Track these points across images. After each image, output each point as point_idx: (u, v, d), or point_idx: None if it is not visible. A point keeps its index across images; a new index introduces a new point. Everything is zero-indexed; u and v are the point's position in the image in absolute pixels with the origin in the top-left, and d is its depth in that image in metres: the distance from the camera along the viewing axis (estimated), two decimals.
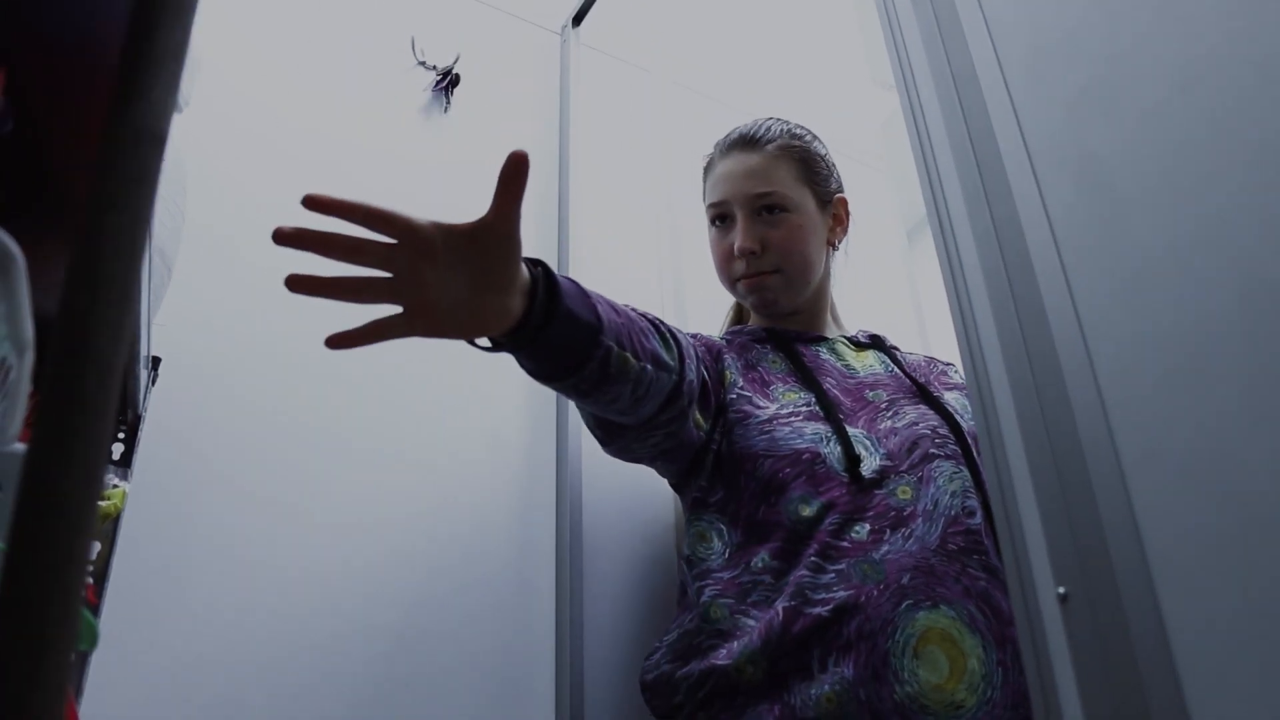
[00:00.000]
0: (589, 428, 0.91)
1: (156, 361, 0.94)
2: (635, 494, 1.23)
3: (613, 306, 0.77)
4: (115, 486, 0.83)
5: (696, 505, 0.97)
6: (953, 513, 0.87)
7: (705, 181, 1.14)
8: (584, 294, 0.74)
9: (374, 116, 1.29)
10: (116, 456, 0.87)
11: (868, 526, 0.86)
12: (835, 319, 1.17)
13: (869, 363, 1.08)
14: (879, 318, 1.33)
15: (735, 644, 0.84)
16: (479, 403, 1.20)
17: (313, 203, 0.65)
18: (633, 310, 0.82)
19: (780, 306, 1.09)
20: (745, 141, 1.09)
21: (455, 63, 1.36)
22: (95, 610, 0.80)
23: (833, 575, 0.84)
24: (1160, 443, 0.49)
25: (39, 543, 0.26)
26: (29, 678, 0.25)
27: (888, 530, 0.85)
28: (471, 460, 1.15)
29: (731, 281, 1.10)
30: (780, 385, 1.00)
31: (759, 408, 0.97)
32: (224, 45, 1.18)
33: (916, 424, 0.96)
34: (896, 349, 1.16)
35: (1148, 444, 0.50)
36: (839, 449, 0.91)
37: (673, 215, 1.51)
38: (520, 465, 1.19)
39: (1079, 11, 0.60)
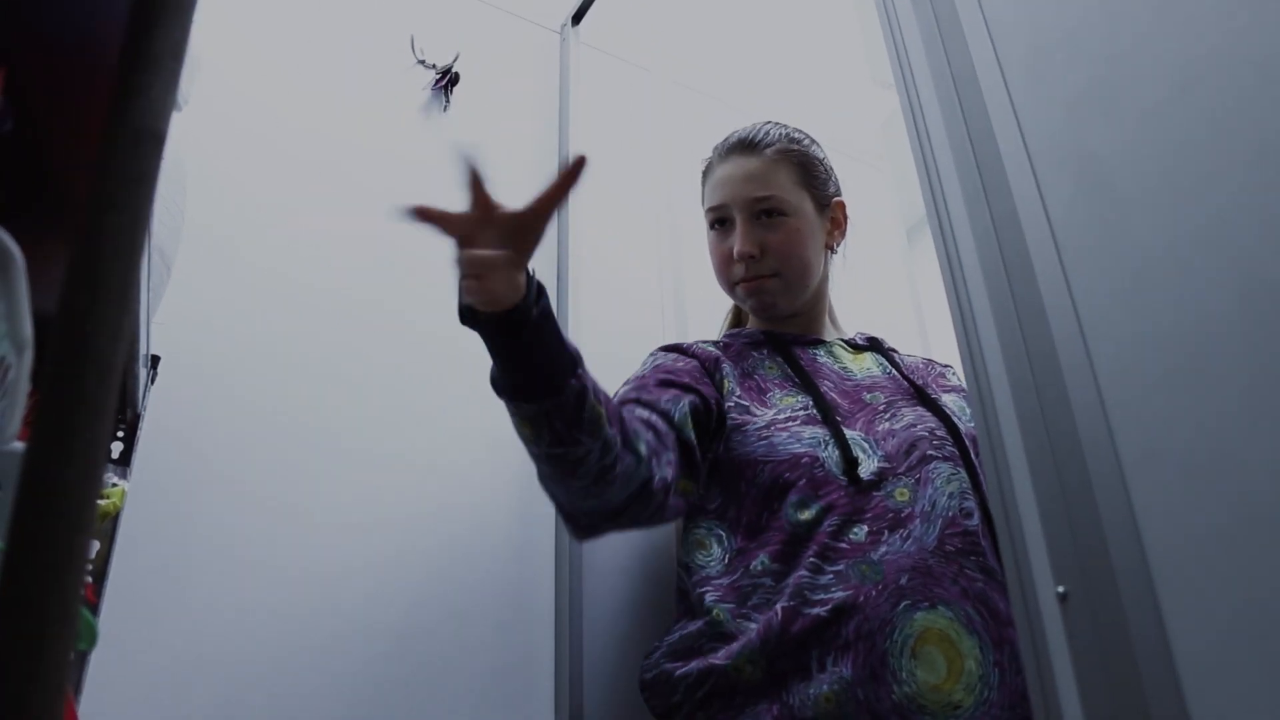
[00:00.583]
0: (563, 519, 0.87)
1: (156, 360, 0.94)
2: None
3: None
4: (114, 485, 0.83)
5: (693, 512, 0.97)
6: (950, 514, 0.88)
7: (704, 185, 1.14)
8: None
9: (374, 115, 1.29)
10: (116, 455, 0.87)
11: (866, 528, 0.86)
12: (833, 321, 1.18)
13: (867, 365, 1.08)
14: (879, 317, 1.34)
15: (735, 645, 0.84)
16: (479, 403, 1.20)
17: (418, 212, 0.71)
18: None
19: (779, 310, 1.09)
20: (744, 145, 1.09)
21: (455, 61, 1.36)
22: (94, 609, 0.80)
23: (831, 576, 0.84)
24: (1160, 442, 0.49)
25: (38, 541, 0.26)
26: (28, 676, 0.25)
27: (886, 531, 0.86)
28: (471, 460, 1.15)
29: (730, 285, 1.10)
30: (778, 391, 1.00)
31: (756, 415, 0.97)
32: (223, 44, 1.18)
33: (914, 426, 0.96)
34: (895, 351, 1.16)
35: (1147, 443, 0.50)
36: (837, 452, 0.91)
37: (673, 214, 1.51)
38: (520, 465, 1.19)
39: (1079, 11, 0.60)
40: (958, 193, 0.64)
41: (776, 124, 1.12)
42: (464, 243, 0.70)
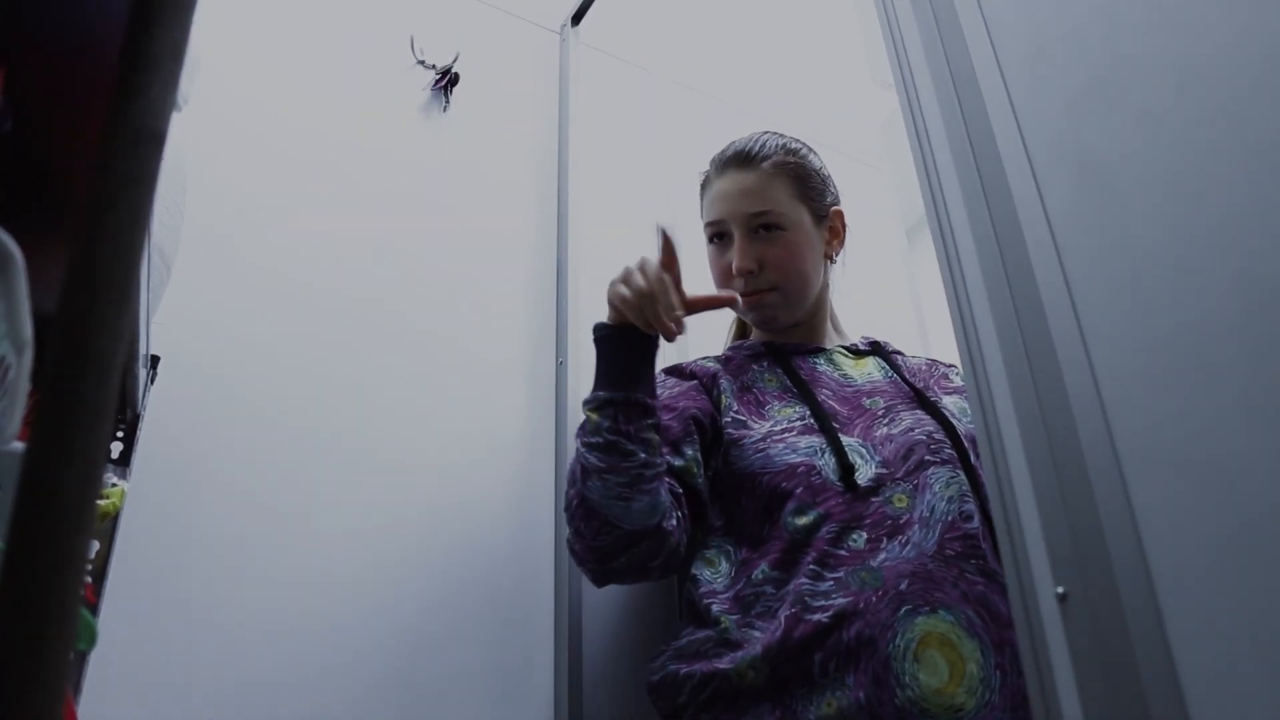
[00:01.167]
0: (580, 559, 0.93)
1: (156, 360, 0.94)
2: None
3: None
4: (114, 485, 0.83)
5: (704, 531, 0.99)
6: (949, 518, 0.88)
7: (702, 198, 1.15)
8: None
9: (373, 116, 1.29)
10: (115, 455, 0.87)
11: (865, 535, 0.87)
12: (836, 328, 1.18)
13: (868, 370, 1.09)
14: (878, 317, 1.34)
15: (739, 652, 0.85)
16: (479, 403, 1.20)
17: (664, 233, 0.94)
18: None
19: (779, 322, 1.10)
20: (740, 159, 1.09)
21: (454, 62, 1.36)
22: (94, 609, 0.80)
23: (831, 583, 0.85)
24: (1160, 442, 0.49)
25: (38, 541, 0.26)
26: (28, 676, 0.25)
27: (885, 539, 0.86)
28: (471, 461, 1.15)
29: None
30: (776, 403, 1.01)
31: (752, 428, 0.98)
32: (223, 44, 1.18)
33: (912, 430, 0.96)
34: (900, 354, 1.16)
35: (1147, 444, 0.50)
36: (833, 460, 0.92)
37: (672, 215, 1.51)
38: (520, 465, 1.19)
39: (1079, 11, 0.60)
40: (957, 193, 0.65)
41: (773, 134, 1.13)
42: (652, 282, 0.91)
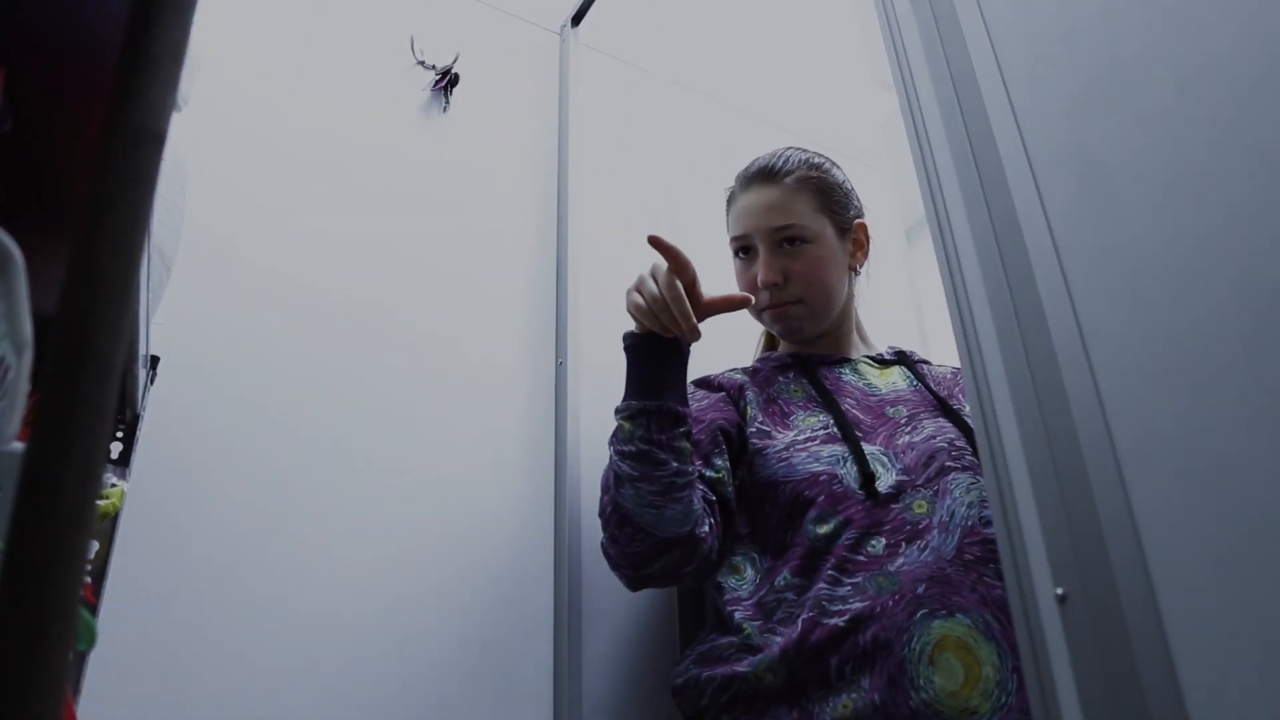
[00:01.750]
0: (615, 564, 0.96)
1: (155, 361, 0.94)
2: None
3: None
4: (114, 485, 0.83)
5: (730, 540, 1.00)
6: (969, 523, 0.89)
7: (728, 213, 1.18)
8: None
9: (373, 116, 1.29)
10: (115, 455, 0.87)
11: (883, 540, 0.89)
12: (862, 338, 1.21)
13: (892, 379, 1.11)
14: (878, 317, 1.33)
15: (758, 655, 0.87)
16: (478, 403, 1.20)
17: (655, 241, 0.93)
18: None
19: (805, 333, 1.13)
20: (764, 175, 1.12)
21: (454, 62, 1.36)
22: (94, 609, 0.80)
23: (849, 588, 0.86)
24: (1159, 443, 0.49)
25: (38, 541, 0.26)
26: (27, 677, 0.25)
27: (903, 543, 0.88)
28: (471, 460, 1.15)
29: (757, 312, 1.14)
30: (801, 413, 1.04)
31: (776, 438, 1.01)
32: (223, 45, 1.18)
33: (934, 437, 0.98)
34: (925, 363, 1.18)
35: (1146, 444, 0.50)
36: (855, 468, 0.94)
37: (673, 215, 1.51)
38: (520, 465, 1.19)
39: (1079, 12, 0.60)
40: (957, 193, 0.65)
41: (796, 149, 1.16)
42: (665, 286, 0.92)
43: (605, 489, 0.95)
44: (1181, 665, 0.45)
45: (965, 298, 0.62)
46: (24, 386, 0.43)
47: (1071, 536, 0.51)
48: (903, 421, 1.02)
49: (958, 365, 1.20)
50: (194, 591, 0.91)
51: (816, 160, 1.15)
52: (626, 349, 0.98)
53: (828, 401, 1.04)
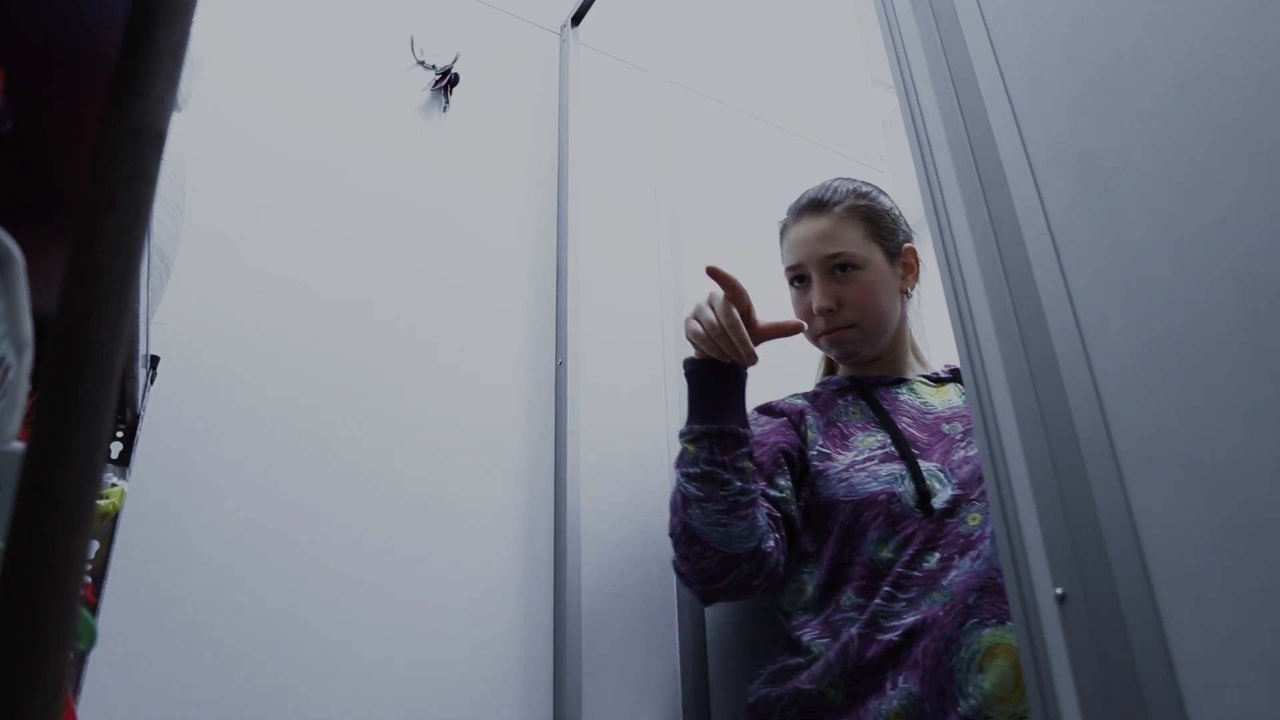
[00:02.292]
0: (687, 581, 1.01)
1: (156, 361, 0.94)
2: (635, 495, 1.23)
3: None
4: (114, 485, 0.83)
5: (797, 558, 1.05)
6: None
7: (781, 244, 1.22)
8: None
9: (373, 116, 1.29)
10: (115, 455, 0.87)
11: (938, 555, 0.93)
12: (918, 357, 1.24)
13: (949, 397, 1.14)
14: None
15: (815, 667, 0.93)
16: (478, 403, 1.20)
17: (713, 272, 0.98)
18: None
19: (861, 356, 1.16)
20: (814, 205, 1.17)
21: (454, 62, 1.36)
22: (94, 609, 0.80)
23: (903, 603, 0.92)
24: (1158, 443, 0.49)
25: (38, 541, 0.26)
26: (27, 677, 0.25)
27: (956, 556, 0.92)
28: (470, 459, 1.15)
29: (814, 337, 1.17)
30: (860, 434, 1.08)
31: (837, 459, 1.06)
32: (223, 45, 1.18)
33: None
34: None
35: (1145, 444, 0.50)
36: (912, 486, 0.98)
37: (672, 215, 1.51)
38: (520, 465, 1.19)
39: (1079, 12, 0.60)
40: (957, 193, 0.65)
41: (844, 179, 1.20)
42: (723, 314, 0.98)
43: (674, 510, 1.00)
44: (1181, 665, 0.45)
45: (965, 298, 0.62)
46: (24, 386, 0.43)
47: (1071, 537, 0.51)
48: (958, 438, 1.05)
49: None
50: (194, 591, 0.91)
51: (864, 189, 1.18)
52: (687, 375, 1.03)
53: (885, 421, 1.08)
